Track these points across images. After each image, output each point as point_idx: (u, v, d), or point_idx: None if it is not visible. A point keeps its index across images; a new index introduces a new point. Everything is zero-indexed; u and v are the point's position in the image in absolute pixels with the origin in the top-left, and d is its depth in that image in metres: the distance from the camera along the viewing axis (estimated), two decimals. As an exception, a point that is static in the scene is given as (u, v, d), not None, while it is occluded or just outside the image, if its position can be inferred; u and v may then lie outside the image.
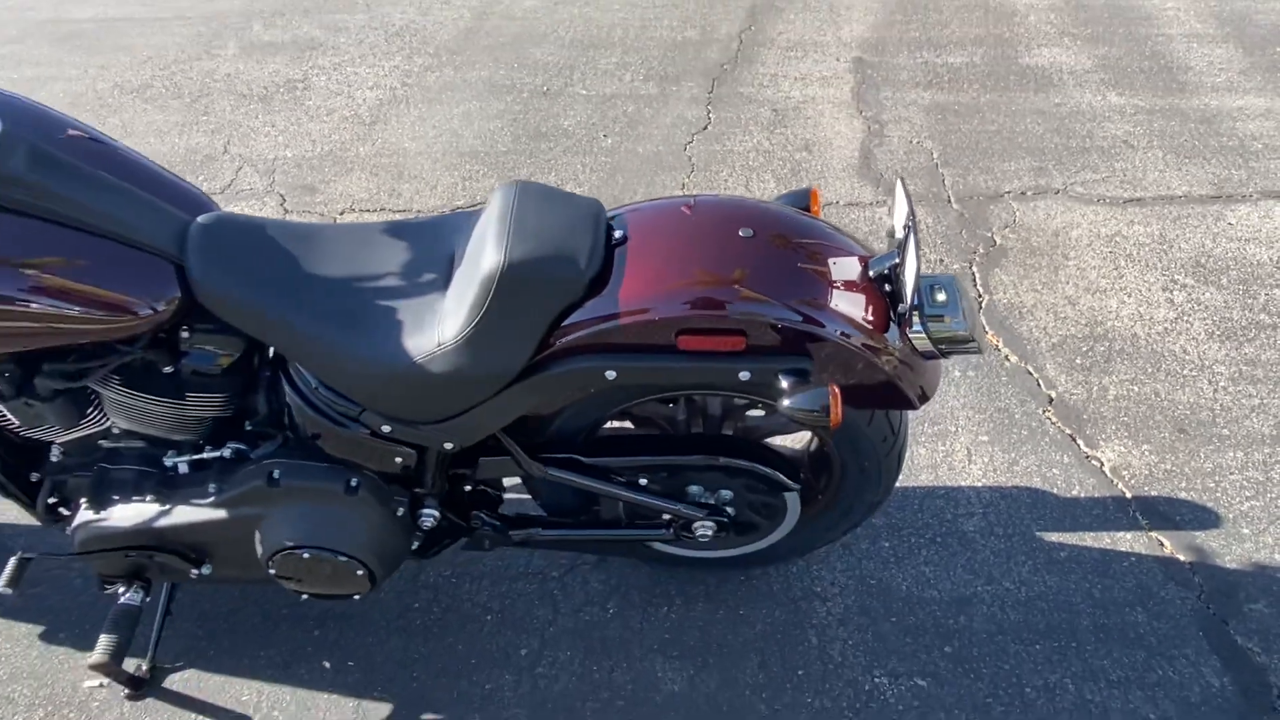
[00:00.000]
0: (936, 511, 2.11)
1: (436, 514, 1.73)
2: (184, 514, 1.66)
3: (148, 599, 1.75)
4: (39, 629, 1.99)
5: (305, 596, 1.75)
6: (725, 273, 1.43)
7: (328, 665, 1.90)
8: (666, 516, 1.74)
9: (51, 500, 1.76)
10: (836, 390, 1.38)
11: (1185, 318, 2.65)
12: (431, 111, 4.02)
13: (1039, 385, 2.44)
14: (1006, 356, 2.53)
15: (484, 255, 1.42)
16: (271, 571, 1.68)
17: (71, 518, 1.79)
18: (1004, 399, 2.39)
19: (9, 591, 1.72)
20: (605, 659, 1.87)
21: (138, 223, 1.45)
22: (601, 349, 1.45)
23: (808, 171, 3.44)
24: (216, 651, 1.92)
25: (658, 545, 1.88)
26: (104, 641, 1.69)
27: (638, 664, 1.86)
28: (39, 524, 1.79)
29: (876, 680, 1.81)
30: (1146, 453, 2.24)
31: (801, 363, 1.44)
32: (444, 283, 1.52)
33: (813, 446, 1.82)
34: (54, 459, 1.76)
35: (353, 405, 1.53)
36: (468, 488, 1.77)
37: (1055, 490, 2.16)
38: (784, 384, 1.43)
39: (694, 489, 1.72)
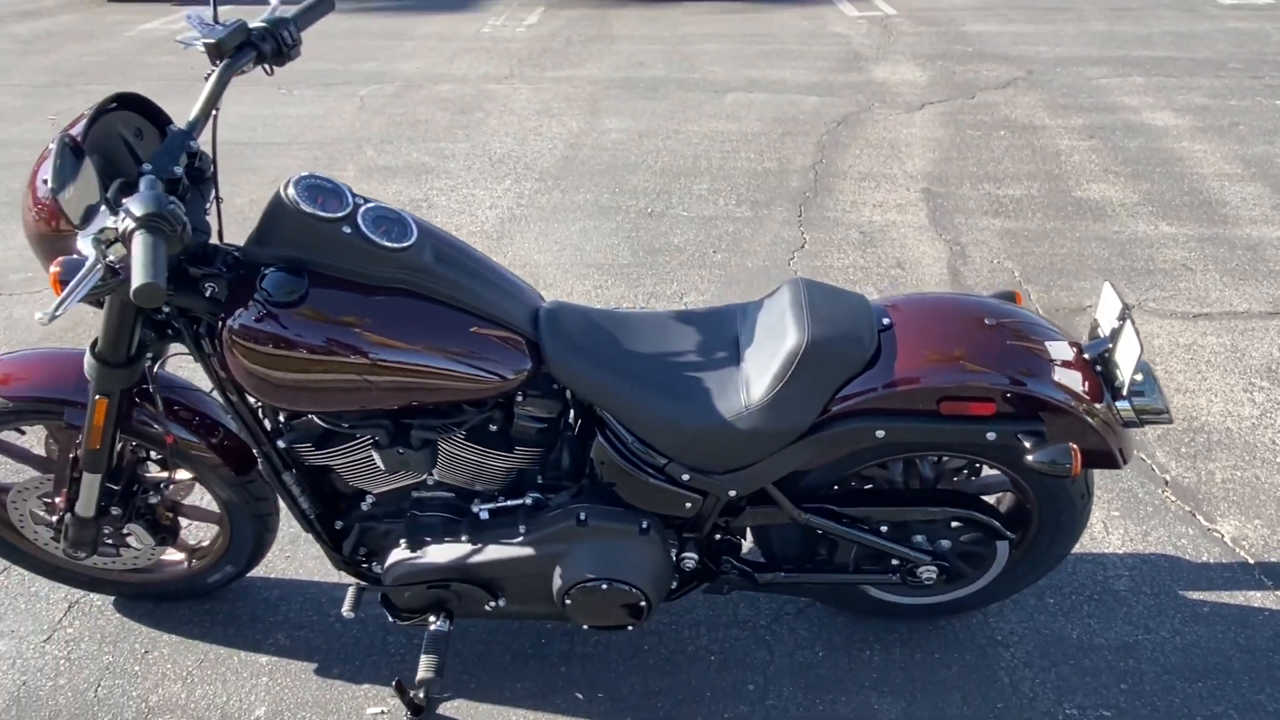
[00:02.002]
0: (1089, 573, 2.43)
1: (696, 557, 2.04)
2: (492, 553, 1.97)
3: (452, 627, 2.03)
4: (313, 665, 2.25)
5: (586, 627, 2.03)
6: (979, 352, 1.79)
7: (580, 696, 2.16)
8: (895, 561, 2.05)
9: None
10: (1076, 448, 1.73)
11: (1269, 414, 3.02)
12: (551, 229, 4.45)
13: (1154, 470, 2.78)
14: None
15: (787, 334, 1.78)
16: (567, 603, 1.97)
17: (367, 559, 2.10)
18: (1127, 481, 2.73)
19: (351, 615, 2.00)
20: (825, 694, 2.15)
21: (505, 306, 1.82)
22: (874, 412, 1.80)
23: (906, 285, 3.85)
24: (478, 685, 2.18)
25: (872, 591, 2.18)
26: (426, 661, 1.96)
27: (855, 698, 2.14)
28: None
29: (1068, 712, 2.09)
30: (1259, 526, 2.57)
31: (1038, 426, 1.79)
32: (735, 358, 1.88)
33: (1009, 505, 2.15)
34: (365, 508, 2.07)
35: (662, 457, 1.86)
36: (718, 536, 2.08)
37: (1187, 556, 2.48)
38: (1026, 443, 1.77)
39: (918, 538, 2.04)
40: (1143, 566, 2.45)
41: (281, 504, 2.11)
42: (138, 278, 1.32)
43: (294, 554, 2.57)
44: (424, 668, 1.95)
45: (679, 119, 5.95)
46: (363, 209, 1.73)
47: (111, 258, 1.47)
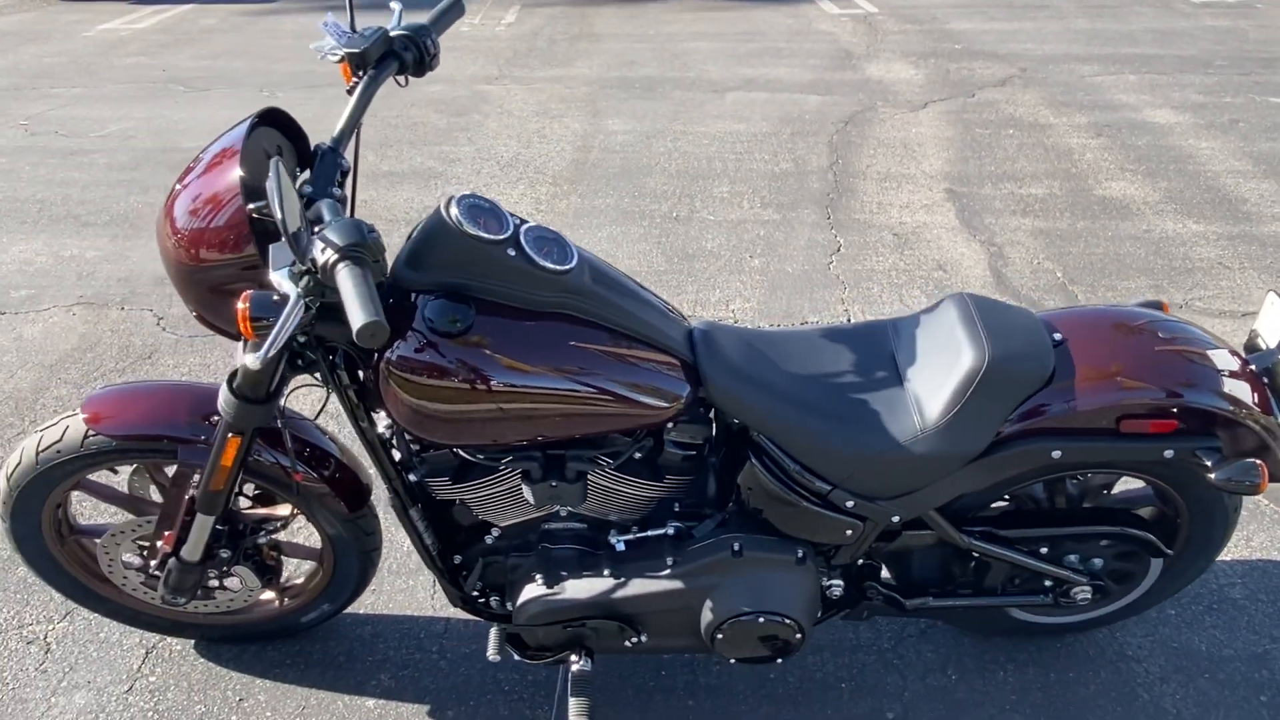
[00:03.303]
0: (1203, 583, 2.40)
1: (842, 584, 1.96)
2: (637, 587, 1.87)
3: (591, 666, 1.92)
4: (425, 707, 2.13)
5: (733, 661, 1.94)
6: (1156, 368, 1.74)
7: (716, 732, 2.07)
8: (1049, 582, 1.99)
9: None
10: (1264, 465, 1.68)
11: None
12: (577, 235, 4.33)
13: (1242, 473, 2.77)
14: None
15: (962, 352, 1.71)
16: (718, 637, 1.88)
17: (484, 595, 1.99)
18: (1218, 485, 2.72)
19: (497, 658, 1.88)
20: (965, 717, 2.09)
21: (662, 329, 1.72)
22: (1051, 432, 1.74)
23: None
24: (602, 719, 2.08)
25: (1015, 612, 2.12)
26: (576, 705, 1.86)
27: (997, 721, 2.08)
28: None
29: (1214, 727, 2.06)
30: (1357, 528, 2.57)
31: (1215, 442, 1.74)
32: (897, 378, 1.80)
33: (1152, 518, 2.10)
34: (489, 542, 1.96)
35: (825, 483, 1.78)
36: (860, 561, 2.01)
37: (1293, 561, 2.47)
38: (1206, 460, 1.72)
39: (1071, 557, 1.98)
40: (1253, 573, 2.43)
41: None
42: (359, 315, 1.20)
43: (379, 588, 2.44)
44: (575, 712, 1.85)
45: (683, 119, 5.86)
46: (523, 230, 1.62)
47: (300, 290, 1.34)
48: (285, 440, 1.80)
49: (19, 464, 1.88)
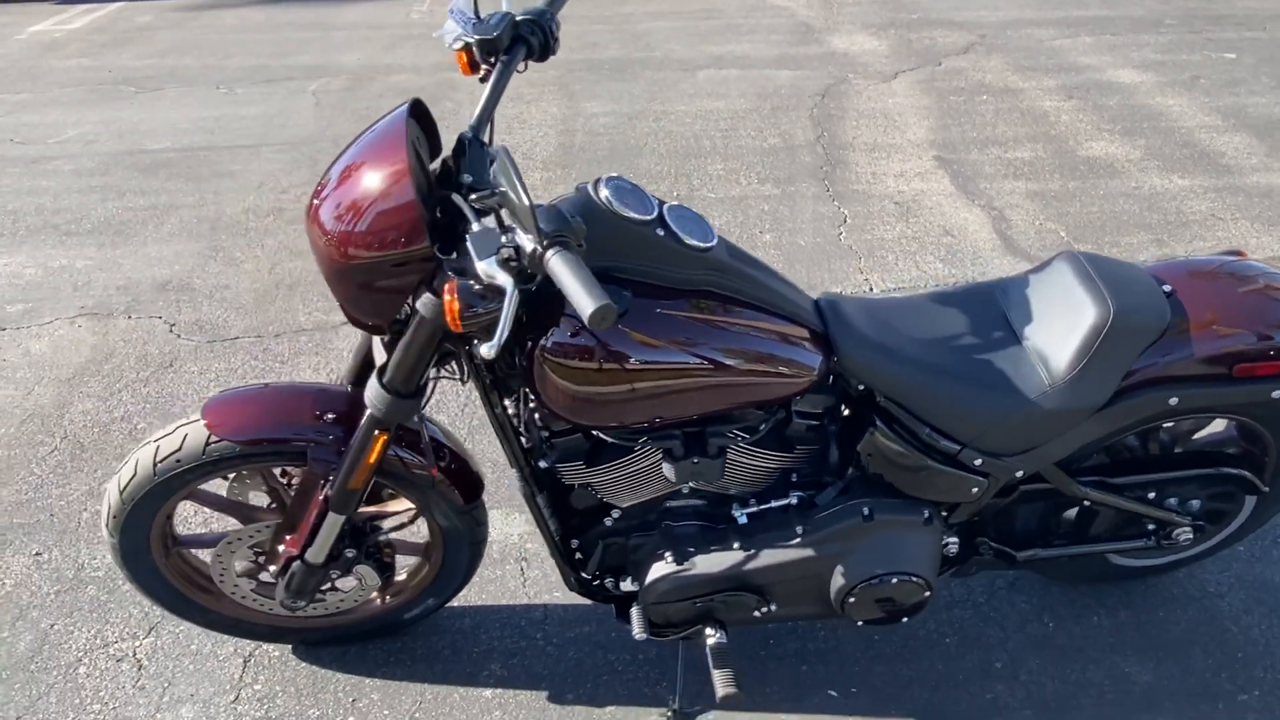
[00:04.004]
0: (1264, 518, 2.51)
1: (957, 541, 2.02)
2: (767, 557, 1.89)
3: (727, 638, 1.94)
4: (543, 693, 2.14)
5: (861, 624, 1.98)
6: (1262, 313, 1.81)
7: (835, 694, 2.12)
8: (1151, 526, 2.07)
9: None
10: None
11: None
12: (583, 219, 4.31)
13: None
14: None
15: (1084, 308, 1.76)
16: (850, 601, 1.91)
17: (599, 577, 2.00)
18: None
19: (644, 636, 1.89)
20: (1072, 663, 2.16)
21: (796, 301, 1.74)
22: (1169, 381, 1.80)
23: (963, 252, 3.90)
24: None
25: (1114, 558, 2.20)
26: (721, 675, 1.87)
27: (1101, 664, 2.16)
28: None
29: (1305, 654, 2.16)
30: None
31: (1325, 380, 1.82)
32: (1015, 337, 1.85)
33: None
34: (609, 524, 1.96)
35: (955, 444, 1.82)
36: (975, 518, 2.06)
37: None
38: (1319, 398, 1.81)
39: (1172, 500, 2.06)
40: (1308, 506, 2.54)
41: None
42: (588, 301, 1.20)
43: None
44: (723, 683, 1.86)
45: (661, 99, 5.86)
46: (666, 209, 1.62)
47: (505, 279, 1.33)
48: (424, 434, 1.78)
49: (133, 477, 1.83)
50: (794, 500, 1.92)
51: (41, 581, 2.48)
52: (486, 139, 1.66)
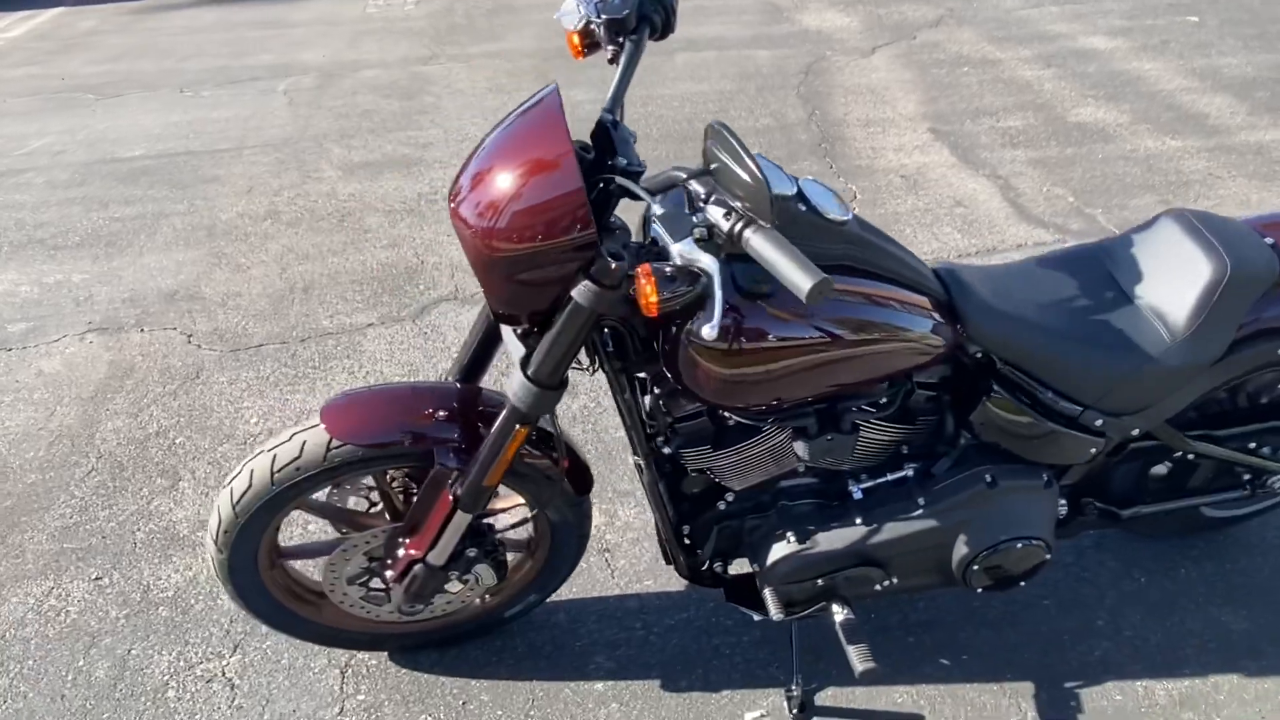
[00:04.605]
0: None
1: (1065, 502, 2.04)
2: (889, 531, 1.89)
3: (854, 614, 1.94)
4: (655, 682, 2.12)
5: (980, 590, 1.99)
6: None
7: (947, 662, 2.13)
8: (1246, 476, 2.11)
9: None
10: None
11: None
12: (593, 207, 4.27)
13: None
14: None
15: (1199, 264, 1.79)
16: (973, 568, 1.92)
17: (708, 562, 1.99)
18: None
19: (781, 617, 1.87)
20: (1170, 616, 2.20)
21: (922, 272, 1.74)
22: (1277, 332, 1.84)
23: (979, 222, 3.94)
24: (839, 671, 2.11)
25: (1206, 510, 2.24)
26: (857, 651, 1.87)
27: (1198, 615, 2.20)
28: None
29: (1392, 591, 2.23)
30: None
31: None
32: (1127, 296, 1.86)
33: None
34: (722, 508, 1.95)
35: (1077, 406, 1.84)
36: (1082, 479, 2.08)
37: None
38: None
39: (1265, 450, 2.10)
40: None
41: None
42: (804, 277, 1.18)
43: (556, 573, 2.39)
44: (860, 659, 1.86)
45: (644, 83, 5.83)
46: (803, 183, 1.61)
47: (708, 259, 1.30)
48: (556, 427, 1.74)
49: (248, 488, 1.76)
50: (910, 472, 1.92)
51: (108, 606, 2.39)
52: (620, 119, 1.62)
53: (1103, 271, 1.92)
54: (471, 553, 1.86)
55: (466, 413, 1.80)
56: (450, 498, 1.74)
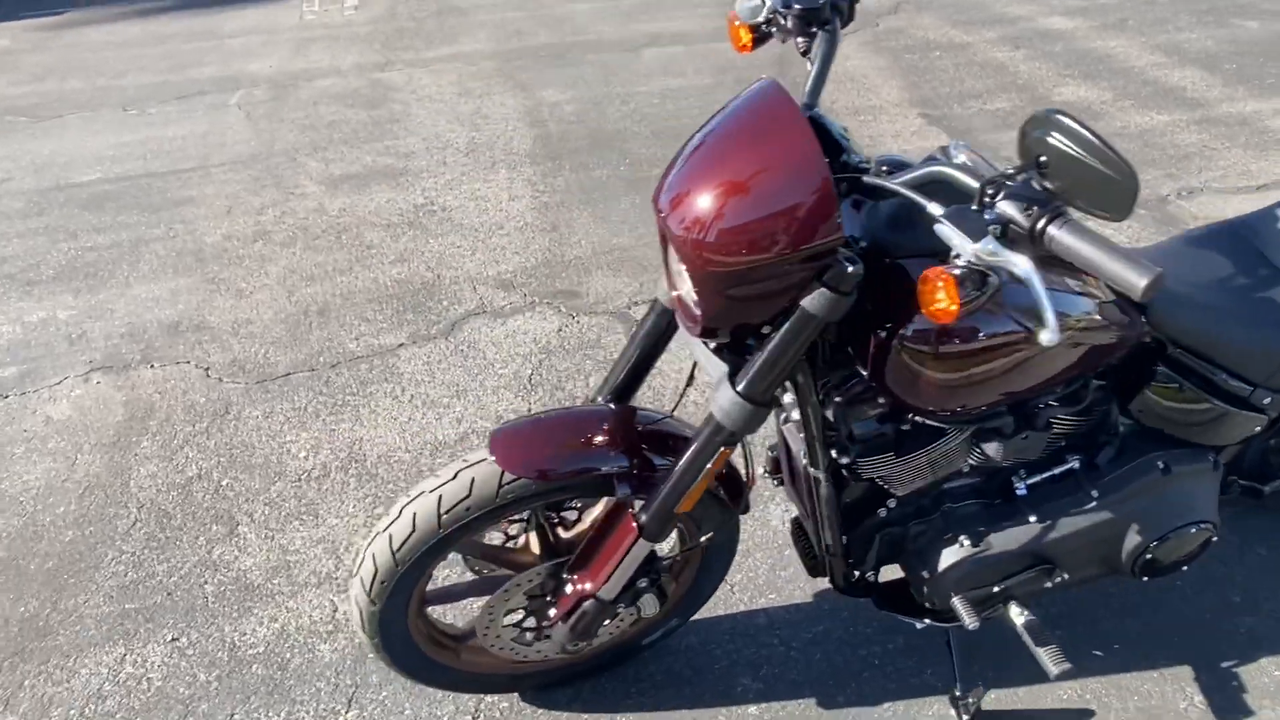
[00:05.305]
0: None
1: (1216, 483, 2.02)
2: (1062, 527, 1.84)
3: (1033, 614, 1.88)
4: (810, 699, 2.04)
5: (1145, 579, 1.95)
6: None
7: (1100, 653, 2.10)
8: (1380, 441, 2.12)
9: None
10: None
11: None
12: (604, 210, 4.17)
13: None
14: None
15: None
16: (1146, 557, 1.88)
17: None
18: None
19: (977, 625, 1.79)
20: (1301, 588, 2.21)
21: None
22: None
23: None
24: (993, 671, 2.06)
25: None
26: (1048, 654, 1.81)
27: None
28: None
29: None
30: None
31: None
32: (1278, 271, 1.85)
33: None
34: (883, 515, 1.88)
35: (1247, 385, 1.81)
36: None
37: None
38: None
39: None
40: None
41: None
42: (1139, 274, 1.11)
43: (674, 594, 2.29)
44: (1053, 660, 1.80)
45: (617, 82, 5.73)
46: None
47: (1017, 258, 1.21)
48: (746, 443, 1.64)
49: (411, 533, 1.63)
50: (1075, 464, 1.87)
51: (193, 669, 2.20)
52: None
53: (1250, 248, 1.90)
54: (642, 583, 1.75)
55: (633, 436, 1.69)
56: (635, 527, 1.63)
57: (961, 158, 1.47)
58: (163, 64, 6.84)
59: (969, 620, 1.79)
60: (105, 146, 5.34)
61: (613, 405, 1.75)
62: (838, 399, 1.67)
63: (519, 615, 1.82)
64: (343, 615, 2.30)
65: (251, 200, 4.51)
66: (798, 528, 2.05)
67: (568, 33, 6.81)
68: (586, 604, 1.72)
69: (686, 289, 1.48)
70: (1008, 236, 1.23)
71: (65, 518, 2.67)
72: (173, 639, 2.28)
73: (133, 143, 5.37)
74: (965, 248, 1.23)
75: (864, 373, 1.57)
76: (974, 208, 1.26)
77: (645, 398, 2.60)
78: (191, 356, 3.35)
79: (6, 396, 3.21)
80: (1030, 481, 1.86)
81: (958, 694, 1.96)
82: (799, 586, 2.29)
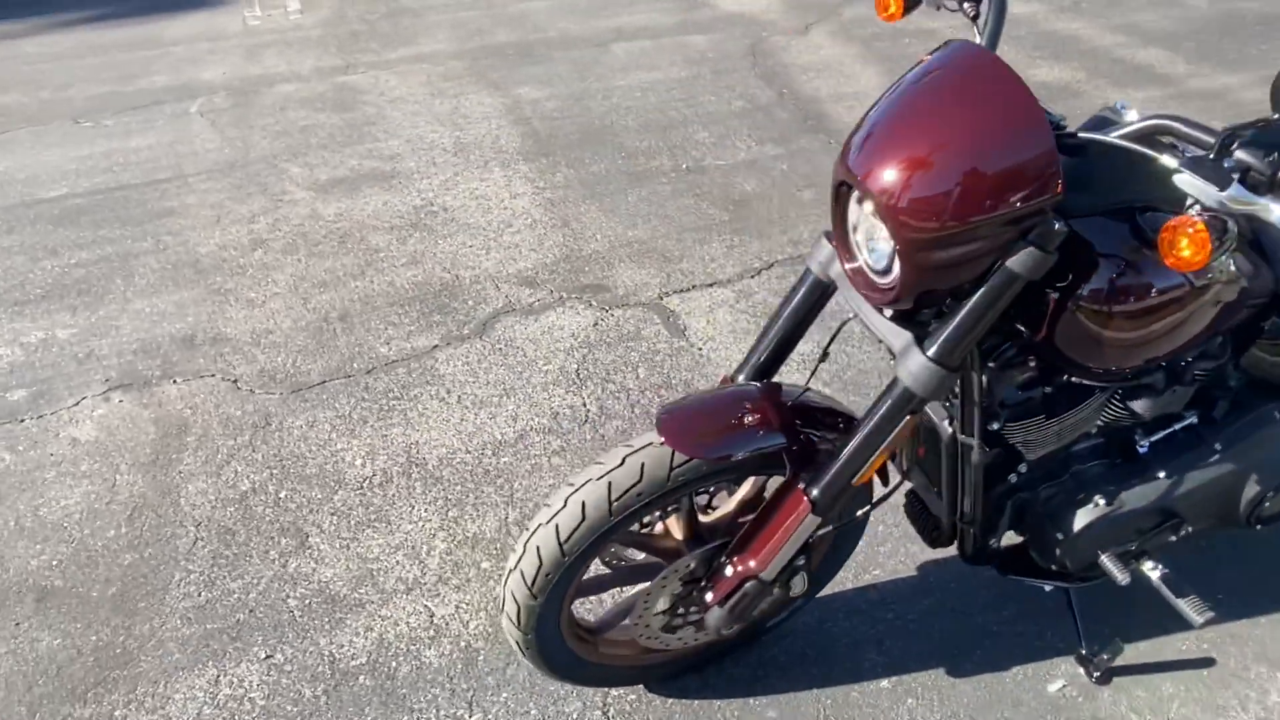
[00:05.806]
0: None
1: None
2: (1190, 481, 1.88)
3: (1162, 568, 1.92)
4: (940, 669, 2.05)
5: (1260, 528, 2.01)
6: None
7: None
8: None
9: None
10: None
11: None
12: (610, 204, 4.15)
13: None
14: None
15: None
16: (1265, 506, 1.94)
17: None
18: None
19: (1127, 580, 1.82)
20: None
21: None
22: None
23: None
24: (1110, 629, 2.10)
25: None
26: (1187, 604, 1.85)
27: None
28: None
29: None
30: None
31: None
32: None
33: None
34: (1014, 480, 1.90)
35: (1367, 340, 1.88)
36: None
37: None
38: None
39: None
40: None
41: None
42: None
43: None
44: (1196, 610, 1.85)
45: (594, 77, 5.69)
46: None
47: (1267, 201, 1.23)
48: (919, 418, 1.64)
49: (580, 522, 1.59)
50: (1194, 419, 1.92)
51: (296, 685, 2.12)
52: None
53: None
54: (800, 561, 1.74)
55: (789, 413, 1.67)
56: (808, 503, 1.62)
57: (1132, 114, 1.49)
58: (107, 74, 6.57)
59: (1120, 576, 1.82)
60: (65, 160, 5.11)
61: (755, 384, 1.74)
62: (991, 364, 1.68)
63: (670, 601, 1.79)
64: (441, 620, 2.24)
65: (239, 209, 4.37)
66: (913, 500, 2.06)
67: (529, 30, 6.75)
68: (748, 585, 1.71)
69: (873, 257, 1.48)
70: (1247, 184, 1.24)
71: (118, 541, 2.55)
72: (266, 656, 2.19)
73: (95, 155, 5.15)
74: (1211, 195, 1.24)
75: (1026, 335, 1.58)
76: (1211, 157, 1.28)
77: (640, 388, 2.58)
78: (215, 369, 3.22)
79: (22, 420, 3.05)
80: (1152, 440, 1.90)
81: (1084, 652, 1.99)
82: (901, 561, 2.31)
